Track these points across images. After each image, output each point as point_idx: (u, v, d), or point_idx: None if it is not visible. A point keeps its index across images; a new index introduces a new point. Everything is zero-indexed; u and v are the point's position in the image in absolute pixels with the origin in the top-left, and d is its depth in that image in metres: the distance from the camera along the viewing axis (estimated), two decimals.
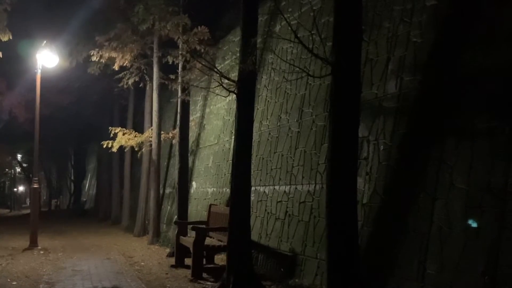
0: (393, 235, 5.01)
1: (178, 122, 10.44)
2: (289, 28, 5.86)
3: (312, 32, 6.60)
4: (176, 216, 9.95)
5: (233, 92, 6.40)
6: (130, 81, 12.96)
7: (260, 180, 8.18)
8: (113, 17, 12.11)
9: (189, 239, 7.80)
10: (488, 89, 4.32)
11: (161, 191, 13.32)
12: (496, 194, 3.98)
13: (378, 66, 5.90)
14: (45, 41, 11.53)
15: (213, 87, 8.13)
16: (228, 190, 8.29)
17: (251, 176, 6.74)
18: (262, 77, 8.82)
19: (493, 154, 4.11)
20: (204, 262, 7.55)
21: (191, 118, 11.51)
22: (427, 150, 4.85)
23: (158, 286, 6.83)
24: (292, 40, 6.52)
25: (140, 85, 13.42)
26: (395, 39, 5.73)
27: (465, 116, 4.50)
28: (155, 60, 11.98)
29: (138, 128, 14.69)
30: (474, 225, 4.10)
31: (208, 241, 7.57)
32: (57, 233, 14.91)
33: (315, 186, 6.60)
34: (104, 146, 13.11)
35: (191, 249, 7.39)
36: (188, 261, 7.92)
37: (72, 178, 36.48)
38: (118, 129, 12.94)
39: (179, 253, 8.35)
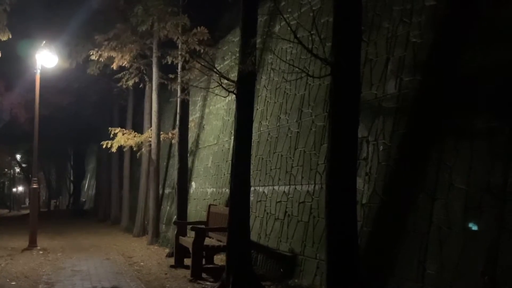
0: (393, 235, 5.02)
1: (177, 123, 10.44)
2: (289, 28, 5.86)
3: (312, 32, 6.60)
4: (175, 216, 9.95)
5: (232, 92, 6.41)
6: (130, 82, 12.97)
7: (260, 180, 8.18)
8: (113, 17, 12.11)
9: (188, 239, 7.79)
10: (487, 89, 4.32)
11: (160, 191, 13.32)
12: (495, 194, 3.98)
13: (377, 66, 5.90)
14: (44, 42, 11.53)
15: (213, 87, 8.14)
16: (227, 190, 8.28)
17: (251, 176, 6.74)
18: (261, 77, 8.82)
19: (493, 154, 4.11)
20: (204, 262, 7.54)
21: (190, 119, 11.51)
22: (427, 150, 4.85)
23: (158, 286, 6.82)
24: (291, 41, 6.52)
25: (140, 86, 13.42)
26: (394, 39, 5.74)
27: (465, 116, 4.52)
28: (154, 60, 11.98)
29: (138, 128, 14.70)
30: (474, 225, 4.11)
31: (207, 241, 7.57)
32: (56, 234, 14.89)
33: (314, 186, 6.60)
34: (104, 146, 13.11)
35: (190, 249, 7.39)
36: (187, 261, 7.92)
37: (72, 178, 36.47)
38: (117, 129, 12.95)
39: (179, 253, 8.34)
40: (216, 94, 8.53)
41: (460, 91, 4.59)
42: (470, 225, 4.12)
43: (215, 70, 6.75)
